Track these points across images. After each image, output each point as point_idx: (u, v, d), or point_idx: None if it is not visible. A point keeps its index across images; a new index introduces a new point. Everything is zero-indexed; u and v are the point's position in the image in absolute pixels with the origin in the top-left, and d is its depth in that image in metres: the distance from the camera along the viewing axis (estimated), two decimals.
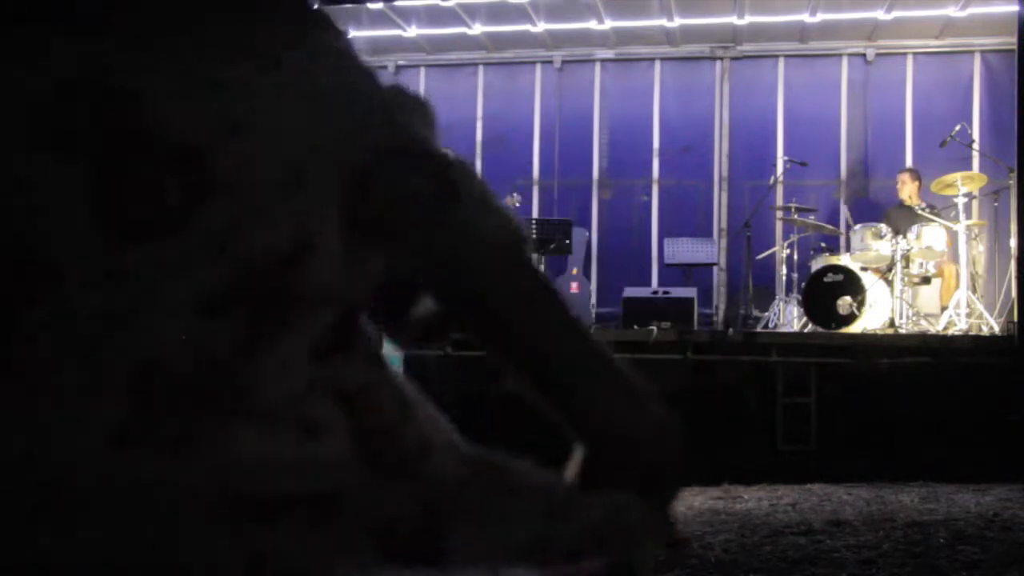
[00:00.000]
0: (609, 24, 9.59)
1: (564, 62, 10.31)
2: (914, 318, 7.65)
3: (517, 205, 9.23)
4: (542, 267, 8.85)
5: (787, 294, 8.43)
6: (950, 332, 7.39)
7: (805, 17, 9.23)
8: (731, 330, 7.60)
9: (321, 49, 0.86)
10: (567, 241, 8.86)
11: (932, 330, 7.50)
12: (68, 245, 0.75)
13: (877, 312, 7.56)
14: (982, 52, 9.52)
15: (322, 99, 0.83)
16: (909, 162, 9.34)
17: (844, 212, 9.18)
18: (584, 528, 0.82)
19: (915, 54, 9.72)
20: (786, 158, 9.23)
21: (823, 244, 8.56)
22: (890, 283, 7.69)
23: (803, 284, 7.94)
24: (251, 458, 0.75)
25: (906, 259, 7.66)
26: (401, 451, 0.81)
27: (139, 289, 0.75)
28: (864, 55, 9.80)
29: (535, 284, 0.87)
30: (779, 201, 9.23)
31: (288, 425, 0.77)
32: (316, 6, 0.89)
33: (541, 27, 9.71)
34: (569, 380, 0.86)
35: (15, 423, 0.74)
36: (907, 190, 8.56)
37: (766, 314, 8.51)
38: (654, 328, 7.33)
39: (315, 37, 0.86)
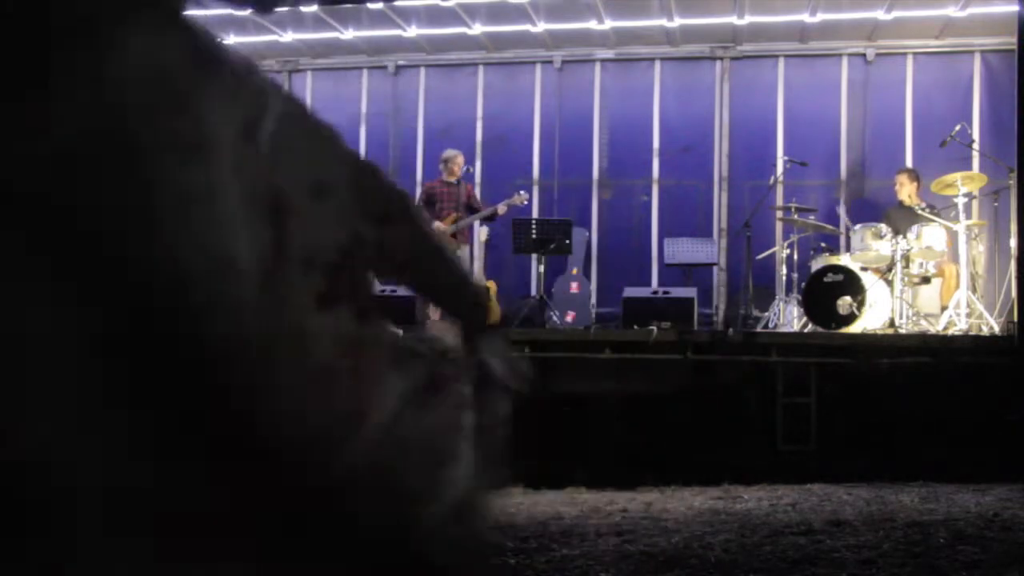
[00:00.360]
0: (609, 24, 9.59)
1: (564, 62, 10.31)
2: (914, 318, 7.65)
3: (525, 203, 9.27)
4: (541, 268, 8.86)
5: (787, 294, 8.43)
6: (950, 332, 7.39)
7: (805, 17, 9.23)
8: (731, 330, 7.60)
9: (274, 88, 1.10)
10: (567, 241, 8.86)
11: (932, 330, 7.50)
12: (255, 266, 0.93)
13: (877, 312, 7.56)
14: (982, 52, 9.52)
15: (309, 128, 1.11)
16: (909, 162, 9.34)
17: (842, 213, 9.17)
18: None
19: (915, 54, 9.72)
20: (786, 158, 9.24)
21: (823, 244, 8.56)
22: (890, 283, 7.69)
23: (803, 284, 7.94)
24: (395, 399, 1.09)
25: (906, 259, 7.66)
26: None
27: (288, 297, 0.96)
28: (864, 55, 9.80)
29: (446, 257, 1.42)
30: (779, 201, 9.23)
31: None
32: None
33: (541, 27, 9.71)
34: (454, 295, 1.45)
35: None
36: (906, 191, 8.56)
37: (766, 314, 8.51)
38: (654, 328, 7.33)
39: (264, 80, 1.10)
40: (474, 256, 9.33)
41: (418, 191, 10.12)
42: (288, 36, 10.08)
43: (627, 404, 7.18)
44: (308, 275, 0.98)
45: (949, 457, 6.11)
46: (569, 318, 9.12)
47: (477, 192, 9.90)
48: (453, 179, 8.88)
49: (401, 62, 10.59)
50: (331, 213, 1.05)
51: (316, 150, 1.08)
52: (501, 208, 8.84)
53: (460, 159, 8.99)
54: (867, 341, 7.12)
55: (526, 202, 9.28)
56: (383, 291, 8.55)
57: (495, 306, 8.78)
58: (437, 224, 8.68)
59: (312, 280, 0.99)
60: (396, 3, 9.30)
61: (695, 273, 8.96)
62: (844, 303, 7.43)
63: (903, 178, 8.61)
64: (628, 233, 10.10)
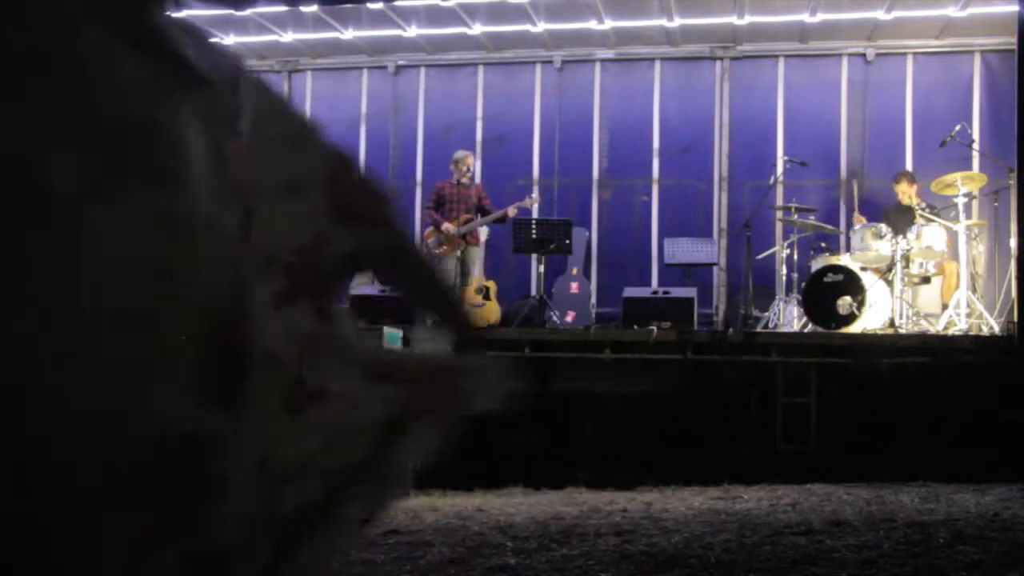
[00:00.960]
0: (609, 24, 9.59)
1: (564, 62, 10.31)
2: (914, 318, 7.65)
3: (535, 205, 9.28)
4: (541, 268, 8.87)
5: (787, 294, 8.43)
6: (950, 332, 7.39)
7: (805, 17, 9.23)
8: (731, 330, 7.60)
9: (252, 82, 1.11)
10: (567, 241, 8.86)
11: (932, 330, 7.50)
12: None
13: (877, 312, 7.56)
14: (982, 52, 9.52)
15: (285, 125, 1.11)
16: (909, 162, 9.35)
17: (852, 195, 9.13)
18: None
19: (915, 54, 9.72)
20: (786, 158, 9.23)
21: (823, 244, 8.56)
22: (890, 283, 7.69)
23: (803, 284, 7.95)
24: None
25: (906, 259, 7.66)
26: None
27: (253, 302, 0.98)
28: (864, 55, 9.80)
29: (421, 257, 1.47)
30: (779, 201, 9.23)
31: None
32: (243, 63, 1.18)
33: (541, 27, 9.71)
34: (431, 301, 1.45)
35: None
36: (906, 195, 8.55)
37: (766, 314, 8.51)
38: (654, 328, 7.33)
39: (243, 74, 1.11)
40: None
41: (418, 191, 10.13)
42: (288, 36, 10.08)
43: (627, 404, 7.19)
44: (268, 273, 0.99)
45: (949, 457, 6.12)
46: (569, 318, 9.12)
47: None
48: (464, 180, 8.87)
49: (401, 62, 10.59)
50: (299, 212, 1.06)
51: (290, 148, 1.08)
52: (511, 211, 8.85)
53: (470, 160, 8.99)
54: (867, 341, 7.12)
55: (536, 203, 9.31)
56: (381, 291, 8.63)
57: (486, 311, 8.81)
58: (447, 226, 8.67)
59: (272, 278, 0.99)
60: (396, 3, 9.30)
61: (695, 273, 8.96)
62: (844, 303, 7.43)
63: (903, 185, 8.59)
64: (628, 233, 10.10)
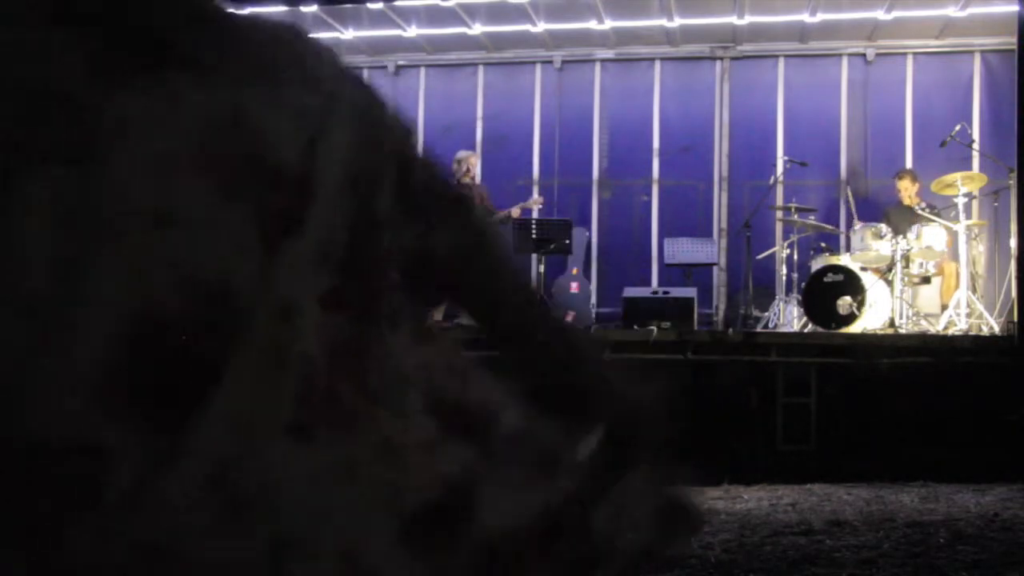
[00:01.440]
0: (609, 24, 9.59)
1: (564, 62, 10.31)
2: (914, 318, 7.65)
3: (540, 207, 9.28)
4: (541, 268, 8.86)
5: (787, 294, 8.44)
6: (950, 332, 7.39)
7: (805, 17, 9.23)
8: (731, 330, 7.60)
9: (333, 67, 1.00)
10: (567, 241, 8.86)
11: (932, 330, 7.50)
12: (251, 280, 0.83)
13: (877, 312, 7.56)
14: (982, 52, 9.52)
15: (360, 112, 0.97)
16: (909, 162, 9.34)
17: (848, 199, 9.13)
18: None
19: (915, 54, 9.72)
20: (786, 158, 9.24)
21: (823, 244, 8.56)
22: (890, 283, 7.69)
23: (803, 284, 7.95)
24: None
25: (906, 259, 7.66)
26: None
27: (291, 299, 0.86)
28: (864, 55, 9.80)
29: (512, 274, 1.08)
30: (779, 201, 9.23)
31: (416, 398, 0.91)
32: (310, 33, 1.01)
33: (541, 27, 9.71)
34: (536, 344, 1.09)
35: (237, 439, 0.82)
36: (907, 193, 8.55)
37: (766, 314, 8.52)
38: (654, 328, 7.33)
39: (323, 57, 0.99)
40: None
41: None
42: None
43: None
44: (318, 272, 0.87)
45: (949, 457, 6.11)
46: (569, 318, 9.11)
47: None
48: (465, 180, 8.82)
49: (401, 62, 10.59)
50: (362, 205, 0.92)
51: (358, 142, 0.95)
52: (515, 211, 8.84)
53: (473, 160, 8.96)
54: (867, 341, 7.11)
55: (542, 206, 9.30)
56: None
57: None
58: None
59: (324, 276, 0.87)
60: (396, 3, 9.30)
61: (695, 273, 8.96)
62: (844, 303, 7.43)
63: (905, 183, 8.58)
64: (628, 233, 10.10)
